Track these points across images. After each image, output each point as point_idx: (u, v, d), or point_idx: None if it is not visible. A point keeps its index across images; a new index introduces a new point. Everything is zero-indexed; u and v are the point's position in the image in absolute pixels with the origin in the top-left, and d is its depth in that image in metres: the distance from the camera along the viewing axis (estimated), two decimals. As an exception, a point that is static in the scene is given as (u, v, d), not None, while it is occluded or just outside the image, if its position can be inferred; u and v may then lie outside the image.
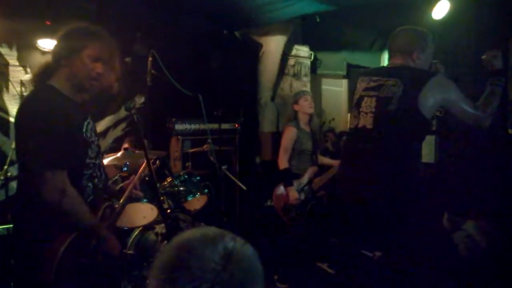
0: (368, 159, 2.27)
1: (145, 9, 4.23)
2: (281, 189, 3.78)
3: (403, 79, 2.21)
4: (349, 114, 5.35)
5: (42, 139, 1.71)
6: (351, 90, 2.57)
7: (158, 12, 4.34)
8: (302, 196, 3.69)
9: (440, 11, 3.78)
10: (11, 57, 4.26)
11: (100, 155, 2.04)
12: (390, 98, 2.20)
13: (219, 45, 5.19)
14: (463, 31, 3.87)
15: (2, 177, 3.54)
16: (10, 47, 4.27)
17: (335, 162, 3.83)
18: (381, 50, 6.15)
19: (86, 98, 2.00)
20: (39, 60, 4.01)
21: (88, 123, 1.95)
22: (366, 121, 2.28)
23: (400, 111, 2.18)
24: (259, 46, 5.31)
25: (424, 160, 4.04)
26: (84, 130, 1.89)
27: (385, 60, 5.00)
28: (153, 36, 4.36)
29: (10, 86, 4.19)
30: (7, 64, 4.22)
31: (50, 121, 1.72)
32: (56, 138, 1.72)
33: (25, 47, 4.26)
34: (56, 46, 1.92)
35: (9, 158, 3.58)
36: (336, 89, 6.37)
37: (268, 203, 4.32)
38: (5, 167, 3.49)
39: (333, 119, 5.80)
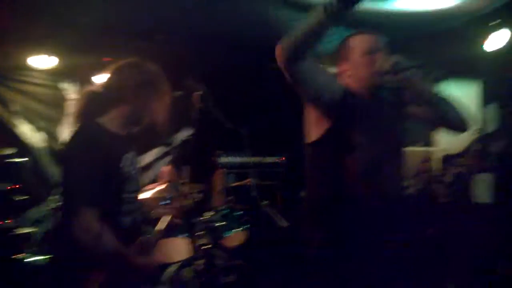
0: None
1: (195, 46, 4.38)
2: None
3: None
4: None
5: (79, 177, 1.72)
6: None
7: (208, 48, 4.47)
8: None
9: (495, 42, 3.57)
10: (71, 91, 4.54)
11: (139, 188, 2.03)
12: None
13: (267, 79, 5.22)
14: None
15: (49, 207, 3.63)
16: (71, 82, 4.55)
17: None
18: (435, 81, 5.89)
19: (134, 131, 2.04)
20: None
21: (131, 156, 1.96)
22: None
23: None
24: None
25: (479, 200, 3.74)
26: (123, 164, 1.88)
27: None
28: (203, 71, 4.47)
29: (66, 119, 4.44)
30: (66, 99, 4.49)
31: (88, 160, 1.73)
32: (93, 177, 1.72)
33: (84, 83, 4.51)
34: (113, 81, 1.93)
35: (59, 189, 3.71)
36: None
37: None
38: (54, 196, 3.61)
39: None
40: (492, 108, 3.78)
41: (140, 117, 1.93)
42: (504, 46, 3.54)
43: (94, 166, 1.73)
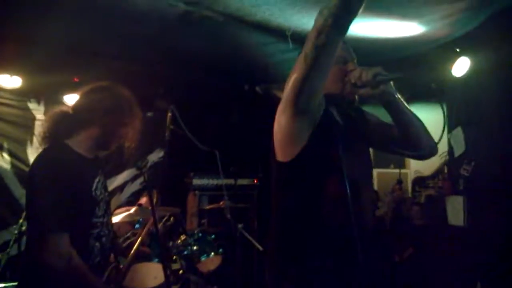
0: None
1: (166, 67, 4.36)
2: None
3: None
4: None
5: (48, 200, 1.66)
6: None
7: (179, 69, 4.47)
8: None
9: (460, 68, 3.74)
10: (38, 111, 4.41)
11: (109, 212, 1.98)
12: None
13: (239, 100, 5.26)
14: (485, 87, 3.80)
15: (16, 231, 3.52)
16: (38, 102, 4.43)
17: None
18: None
19: (102, 154, 2.00)
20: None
21: (99, 180, 1.91)
22: None
23: None
24: (280, 100, 5.34)
25: (452, 223, 3.82)
26: (93, 188, 1.85)
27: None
28: (174, 92, 4.46)
29: (34, 140, 4.29)
30: (33, 119, 4.35)
31: (56, 184, 1.68)
32: (62, 200, 1.68)
33: (52, 102, 4.40)
34: (84, 103, 1.91)
35: (25, 212, 3.58)
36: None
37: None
38: (20, 220, 3.47)
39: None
40: (459, 132, 3.91)
41: (109, 141, 1.92)
42: (467, 73, 3.71)
43: (63, 188, 1.69)
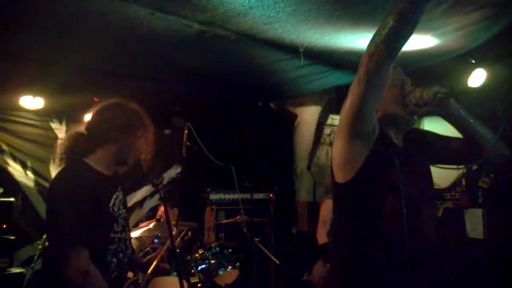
0: None
1: (182, 85, 4.46)
2: (320, 265, 3.59)
3: None
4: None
5: (67, 216, 1.73)
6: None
7: (195, 87, 4.56)
8: None
9: (476, 79, 3.72)
10: (60, 130, 4.55)
11: (127, 228, 2.03)
12: None
13: (254, 116, 5.32)
14: (499, 99, 3.77)
15: (40, 246, 3.61)
16: (60, 122, 4.57)
17: None
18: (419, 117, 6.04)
19: (121, 170, 2.06)
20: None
21: (117, 196, 1.97)
22: None
23: None
24: (294, 116, 5.39)
25: (471, 235, 3.76)
26: (111, 204, 1.90)
27: (423, 125, 4.91)
28: (190, 110, 4.54)
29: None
30: (56, 138, 4.49)
31: (76, 200, 1.75)
32: (81, 216, 1.74)
33: (73, 121, 4.54)
34: (97, 122, 1.97)
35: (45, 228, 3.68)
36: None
37: (305, 277, 4.11)
38: (44, 236, 3.56)
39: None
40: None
41: (126, 156, 1.98)
42: (483, 84, 3.69)
43: (82, 204, 1.75)
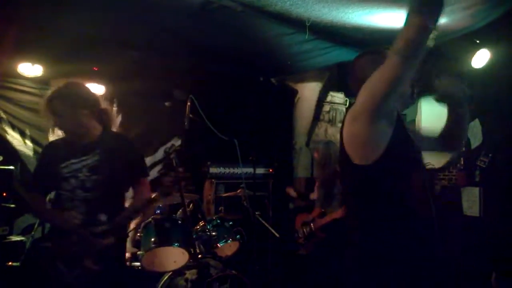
0: None
1: (184, 57, 4.40)
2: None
3: None
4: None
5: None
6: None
7: (197, 60, 4.51)
8: None
9: (480, 60, 3.72)
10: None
11: (84, 190, 2.18)
12: None
13: (255, 91, 5.29)
14: (504, 80, 3.78)
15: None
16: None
17: None
18: (417, 97, 6.05)
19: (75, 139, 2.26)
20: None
21: (81, 160, 2.19)
22: None
23: None
24: (294, 92, 5.38)
25: (468, 213, 3.85)
26: (62, 165, 2.17)
27: (422, 107, 4.91)
28: (192, 82, 4.50)
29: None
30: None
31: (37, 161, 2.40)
32: (35, 173, 2.39)
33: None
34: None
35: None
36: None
37: (301, 251, 4.19)
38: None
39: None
40: (477, 124, 3.91)
41: (66, 127, 2.25)
42: (486, 64, 3.69)
43: (38, 164, 2.40)
